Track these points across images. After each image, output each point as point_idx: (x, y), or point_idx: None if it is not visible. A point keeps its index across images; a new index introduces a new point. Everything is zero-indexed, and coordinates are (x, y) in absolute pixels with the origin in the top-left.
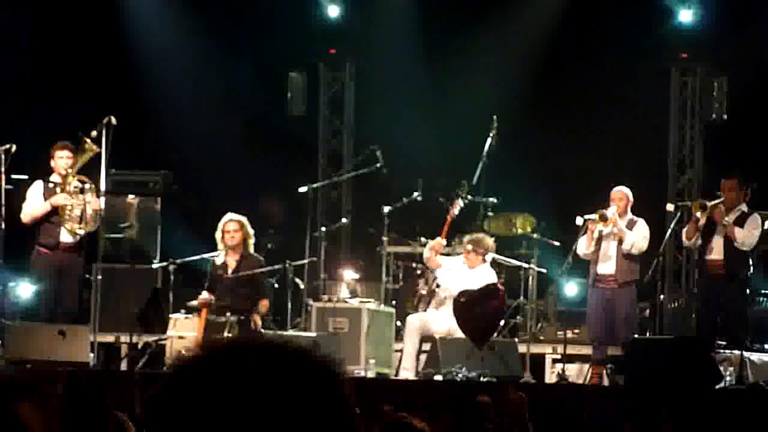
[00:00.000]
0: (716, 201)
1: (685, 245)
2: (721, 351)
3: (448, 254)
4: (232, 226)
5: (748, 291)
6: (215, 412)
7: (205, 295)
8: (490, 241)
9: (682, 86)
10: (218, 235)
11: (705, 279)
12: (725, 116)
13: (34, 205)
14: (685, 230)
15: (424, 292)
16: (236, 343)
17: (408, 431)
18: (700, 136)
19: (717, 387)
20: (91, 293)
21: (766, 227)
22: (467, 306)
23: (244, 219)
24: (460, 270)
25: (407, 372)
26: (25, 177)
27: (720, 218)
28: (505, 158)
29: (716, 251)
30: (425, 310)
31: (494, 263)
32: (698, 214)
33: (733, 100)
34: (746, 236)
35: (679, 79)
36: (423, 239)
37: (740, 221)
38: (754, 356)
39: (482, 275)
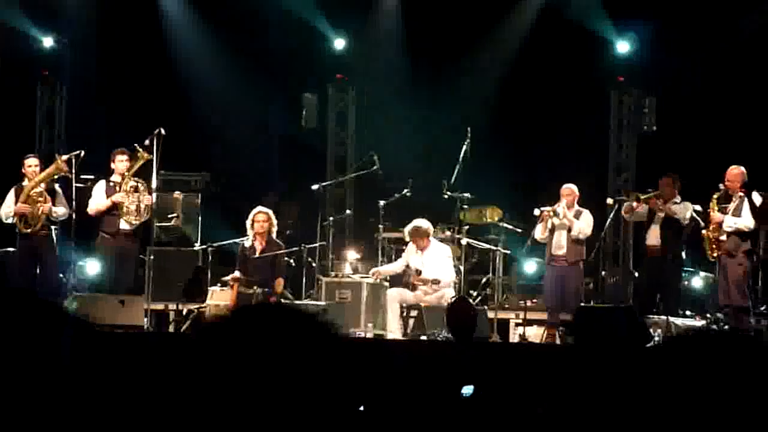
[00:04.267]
0: (651, 194)
1: (623, 217)
2: (651, 316)
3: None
4: (261, 216)
5: (683, 269)
6: (241, 355)
7: (236, 272)
8: (426, 224)
9: (619, 104)
10: (248, 223)
11: (646, 260)
12: (654, 128)
13: (98, 200)
14: (624, 207)
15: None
16: (262, 304)
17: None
18: (634, 144)
19: (647, 345)
20: (145, 271)
21: (692, 215)
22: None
23: (270, 211)
24: (415, 255)
25: (393, 333)
26: (92, 177)
27: (655, 205)
28: (478, 161)
29: (654, 237)
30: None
31: (468, 246)
32: (635, 204)
33: (660, 116)
34: (682, 211)
35: (617, 98)
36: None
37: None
38: (678, 320)
39: (434, 251)
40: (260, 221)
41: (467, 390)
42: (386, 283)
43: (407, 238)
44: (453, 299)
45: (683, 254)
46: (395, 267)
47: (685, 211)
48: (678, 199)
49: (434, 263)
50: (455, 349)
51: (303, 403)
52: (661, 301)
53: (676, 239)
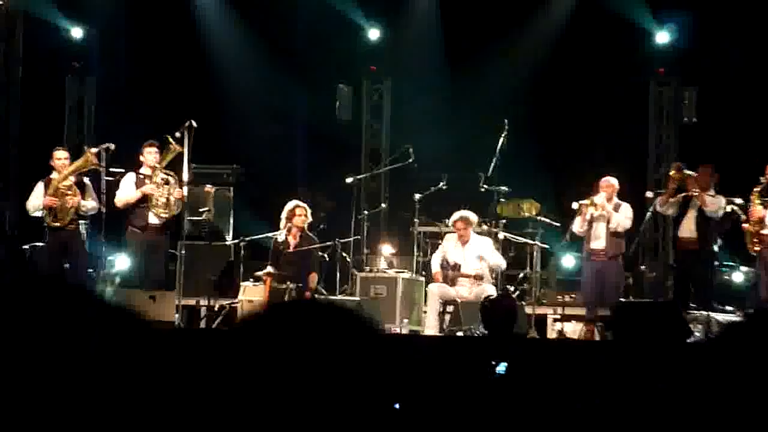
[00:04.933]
0: (693, 173)
1: (658, 210)
2: (691, 312)
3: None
4: (300, 210)
5: (716, 263)
6: (277, 352)
7: (269, 267)
8: (474, 216)
9: (659, 95)
10: (285, 216)
11: (679, 253)
12: (695, 120)
13: (127, 192)
14: (658, 199)
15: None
16: (298, 301)
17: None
18: (674, 136)
19: (687, 341)
20: (176, 265)
21: (728, 209)
22: (488, 309)
23: (306, 206)
24: (455, 249)
25: (430, 330)
26: (122, 170)
27: (691, 187)
28: (515, 154)
29: (688, 229)
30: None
31: (505, 240)
32: (672, 172)
33: (701, 107)
34: (714, 201)
35: (656, 89)
36: (447, 221)
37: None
38: (719, 316)
39: (476, 245)
40: (300, 215)
41: (501, 368)
42: (422, 278)
43: (452, 228)
44: (493, 295)
45: (716, 247)
46: (437, 262)
47: (717, 205)
48: (712, 192)
49: (476, 257)
50: (491, 345)
51: (341, 401)
52: (695, 296)
53: (711, 231)
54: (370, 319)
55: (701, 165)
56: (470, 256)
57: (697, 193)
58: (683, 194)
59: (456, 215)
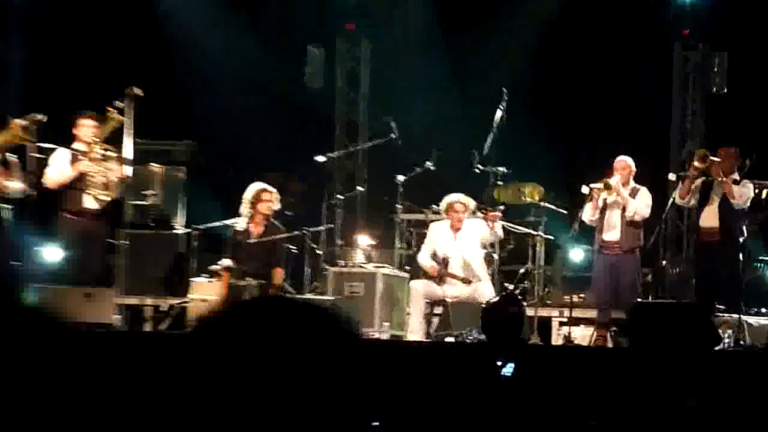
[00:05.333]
0: (717, 159)
1: (679, 203)
2: (720, 315)
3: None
4: (268, 195)
5: (741, 257)
6: (239, 358)
7: (226, 260)
8: (470, 200)
9: (684, 61)
10: (248, 202)
11: (701, 246)
12: (725, 90)
13: (59, 171)
14: (678, 189)
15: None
16: (264, 298)
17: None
18: (701, 108)
19: (715, 349)
20: (116, 258)
21: (763, 195)
22: (491, 314)
23: (275, 190)
24: (445, 240)
25: (415, 334)
26: (54, 146)
27: (717, 174)
28: (515, 130)
29: (710, 218)
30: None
31: (503, 230)
32: (697, 163)
33: (732, 74)
34: (742, 192)
35: (681, 54)
36: (435, 207)
37: (734, 184)
38: (751, 319)
39: (470, 232)
40: (266, 201)
41: (508, 370)
42: (405, 274)
43: (441, 216)
44: (495, 298)
45: (741, 239)
46: (427, 256)
47: (746, 195)
48: (737, 176)
49: (473, 248)
50: (489, 353)
51: (315, 417)
52: (719, 295)
53: (736, 221)
54: (349, 320)
55: (722, 148)
56: (463, 247)
57: (722, 181)
58: (703, 178)
59: (452, 197)
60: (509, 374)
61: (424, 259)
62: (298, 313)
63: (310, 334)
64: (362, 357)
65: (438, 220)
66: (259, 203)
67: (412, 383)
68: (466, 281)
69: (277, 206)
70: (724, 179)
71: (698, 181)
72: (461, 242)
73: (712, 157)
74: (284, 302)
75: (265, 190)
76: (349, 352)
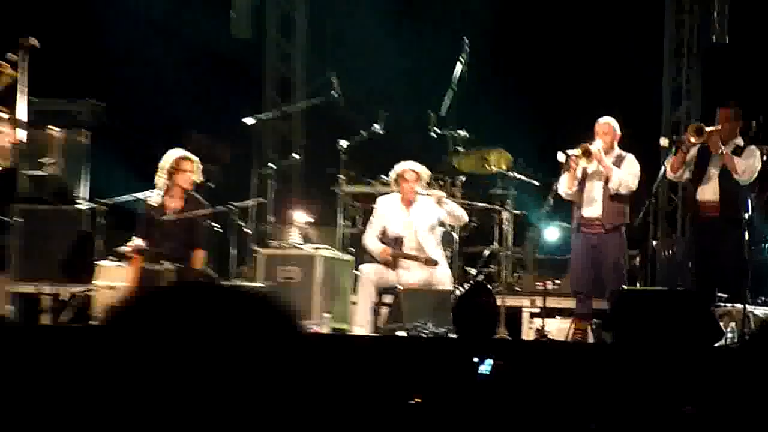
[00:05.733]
0: (713, 128)
1: (669, 178)
2: (722, 305)
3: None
4: (188, 165)
5: (747, 236)
6: (157, 358)
7: (138, 240)
8: (424, 169)
9: (678, 7)
10: (165, 172)
11: (698, 224)
12: (726, 40)
13: None
14: (668, 160)
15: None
16: (182, 285)
17: None
18: (698, 63)
19: (716, 345)
20: (7, 238)
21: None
22: (461, 309)
23: (196, 158)
24: (396, 216)
25: (361, 327)
26: None
27: (716, 146)
28: (479, 88)
29: (710, 190)
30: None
31: (464, 205)
32: (693, 139)
33: (734, 23)
34: (747, 165)
35: None
36: (385, 178)
37: (736, 154)
38: (758, 310)
39: (425, 207)
40: (186, 170)
41: (485, 367)
42: (349, 257)
43: (392, 186)
44: (463, 290)
45: (747, 215)
46: (375, 236)
47: (752, 167)
48: (740, 141)
49: (429, 225)
50: (450, 349)
51: (249, 420)
52: (721, 282)
53: (741, 194)
54: (288, 309)
55: (722, 108)
56: (418, 224)
57: (722, 153)
58: (698, 146)
59: (402, 165)
60: (486, 373)
61: (370, 240)
62: (227, 301)
63: (242, 327)
64: (304, 354)
65: (386, 193)
66: (177, 174)
67: (358, 384)
68: (431, 262)
69: (198, 177)
70: (724, 151)
71: (693, 151)
72: (415, 218)
73: (708, 128)
74: (210, 289)
75: (184, 158)
76: (289, 347)
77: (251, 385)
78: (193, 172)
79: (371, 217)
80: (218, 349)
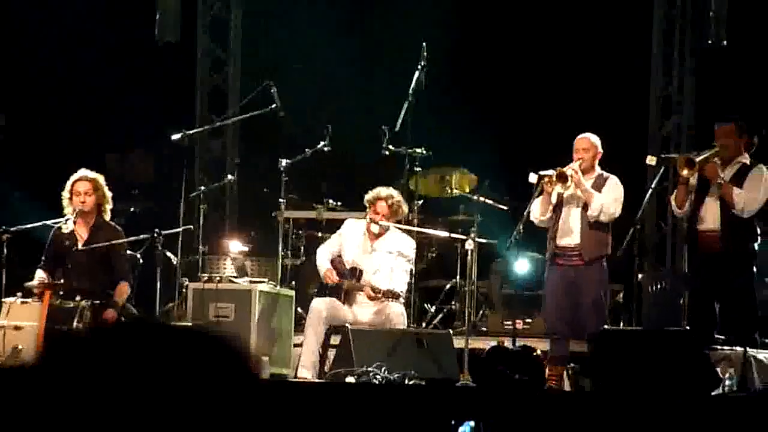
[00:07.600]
0: (707, 153)
1: (677, 215)
2: (719, 348)
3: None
4: (83, 186)
5: (755, 269)
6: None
7: (41, 273)
8: (403, 202)
9: (669, 5)
10: (65, 196)
11: (698, 256)
12: (724, 43)
13: None
14: (674, 195)
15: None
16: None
17: None
18: (691, 69)
19: (712, 393)
20: None
21: None
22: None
23: (99, 177)
24: (359, 246)
25: (306, 371)
26: None
27: (714, 175)
28: (439, 98)
29: (710, 219)
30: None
31: (421, 234)
32: (684, 172)
33: (731, 25)
34: (747, 198)
35: None
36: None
37: (740, 177)
38: (761, 354)
39: (392, 243)
40: (81, 192)
41: (465, 429)
42: (290, 292)
43: (372, 211)
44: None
45: (757, 245)
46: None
47: (753, 194)
48: (746, 159)
49: (389, 262)
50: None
51: None
52: (723, 322)
53: (746, 222)
54: (246, 352)
55: (720, 124)
56: (381, 259)
57: (720, 184)
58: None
59: (380, 191)
60: None
61: (321, 255)
62: (173, 342)
63: (192, 372)
64: (262, 400)
65: (340, 219)
66: (72, 197)
67: None
68: (394, 294)
69: (105, 201)
70: (722, 182)
71: (693, 180)
72: (379, 253)
73: (699, 158)
74: (153, 329)
75: (81, 179)
76: (246, 395)
77: None
78: (93, 194)
79: (334, 234)
80: (160, 398)
